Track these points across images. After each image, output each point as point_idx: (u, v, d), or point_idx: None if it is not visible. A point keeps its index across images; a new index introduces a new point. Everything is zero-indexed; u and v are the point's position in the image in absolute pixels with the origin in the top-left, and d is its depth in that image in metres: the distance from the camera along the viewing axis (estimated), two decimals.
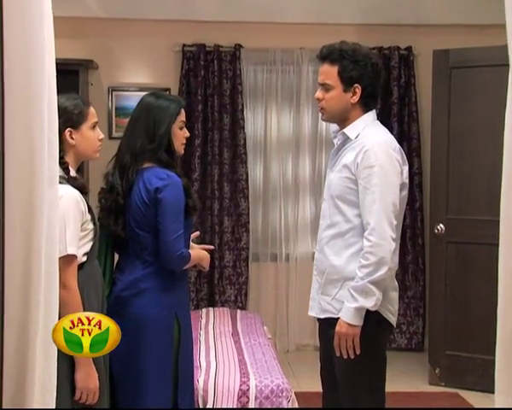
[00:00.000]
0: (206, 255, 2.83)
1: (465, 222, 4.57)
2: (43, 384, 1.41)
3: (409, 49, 5.34)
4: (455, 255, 4.61)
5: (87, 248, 2.34)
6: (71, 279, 2.23)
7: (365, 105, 2.51)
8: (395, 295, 2.55)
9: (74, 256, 2.24)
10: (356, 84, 2.46)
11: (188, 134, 2.78)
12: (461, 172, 4.59)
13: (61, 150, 2.29)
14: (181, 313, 2.67)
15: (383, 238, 2.34)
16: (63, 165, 2.30)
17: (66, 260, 2.21)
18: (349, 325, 2.37)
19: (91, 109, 2.42)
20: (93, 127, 2.42)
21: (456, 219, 4.58)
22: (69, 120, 2.32)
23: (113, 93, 5.29)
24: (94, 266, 2.41)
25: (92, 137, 2.41)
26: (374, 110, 2.56)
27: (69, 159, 2.36)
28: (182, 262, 2.60)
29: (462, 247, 4.60)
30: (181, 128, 2.72)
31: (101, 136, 2.46)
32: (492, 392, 4.11)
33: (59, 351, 1.96)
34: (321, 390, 2.77)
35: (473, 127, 4.55)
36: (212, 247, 3.11)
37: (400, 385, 4.35)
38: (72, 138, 2.34)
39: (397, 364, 4.77)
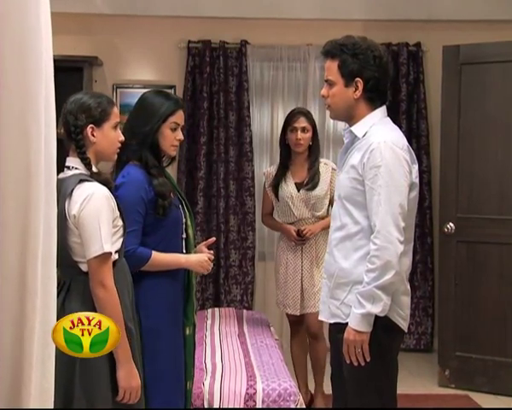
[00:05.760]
0: (199, 259, 2.69)
1: (475, 221, 4.50)
2: (41, 393, 1.34)
3: (417, 45, 5.28)
4: (465, 255, 4.55)
5: (118, 245, 2.30)
6: (108, 278, 2.19)
7: (371, 100, 2.41)
8: (406, 299, 2.45)
9: (110, 254, 2.21)
10: (357, 78, 2.38)
11: (181, 137, 2.70)
12: (471, 170, 4.52)
13: (83, 146, 2.27)
14: (147, 312, 2.55)
15: (389, 241, 2.25)
16: (85, 160, 2.28)
17: (103, 258, 2.18)
18: (356, 331, 2.29)
19: (115, 109, 2.39)
20: (115, 127, 2.37)
21: (466, 218, 4.51)
22: (92, 116, 2.29)
23: (118, 90, 5.24)
24: (124, 263, 2.37)
25: (113, 137, 2.36)
26: (383, 107, 2.47)
27: (89, 156, 2.32)
28: (130, 261, 2.45)
29: (472, 246, 4.53)
30: (173, 129, 2.66)
31: (122, 137, 2.41)
32: (503, 394, 4.05)
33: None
34: (328, 393, 2.70)
35: (483, 124, 4.48)
36: (213, 239, 2.92)
37: (409, 387, 4.28)
38: (93, 136, 2.30)
39: (405, 365, 4.71)
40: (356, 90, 2.39)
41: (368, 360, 2.30)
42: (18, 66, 1.24)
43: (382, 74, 2.42)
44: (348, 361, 2.34)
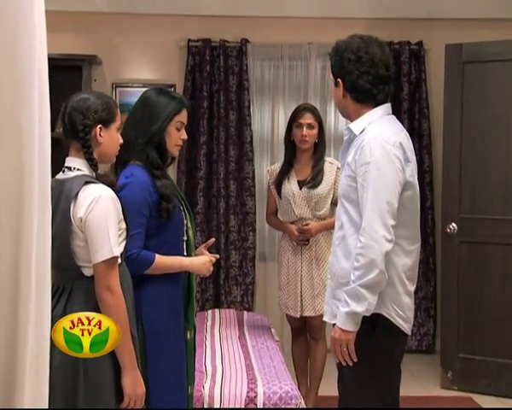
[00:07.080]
0: (202, 261, 2.65)
1: (478, 221, 4.46)
2: (34, 400, 1.30)
3: (419, 43, 5.24)
4: (467, 255, 4.51)
5: (122, 248, 2.26)
6: (115, 282, 2.15)
7: (357, 100, 2.40)
8: (408, 300, 2.40)
9: (117, 258, 2.17)
10: (337, 79, 2.43)
11: (185, 136, 2.67)
12: (474, 169, 4.48)
13: (90, 146, 2.22)
14: (150, 316, 2.50)
15: (374, 239, 2.21)
16: (92, 161, 2.23)
17: (111, 262, 2.14)
18: (342, 330, 2.25)
19: (118, 111, 2.36)
20: (118, 129, 2.35)
21: (469, 219, 4.48)
22: (100, 116, 2.25)
23: (117, 89, 5.20)
24: (125, 267, 2.33)
25: (116, 139, 2.33)
26: (385, 105, 2.42)
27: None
28: (133, 264, 2.41)
29: (474, 246, 4.50)
30: (178, 129, 2.63)
31: (121, 140, 2.37)
32: (506, 396, 4.01)
33: (104, 357, 1.94)
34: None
35: (486, 123, 4.45)
36: (212, 240, 2.89)
37: (411, 389, 4.24)
38: (100, 136, 2.26)
39: (407, 366, 4.66)
40: (340, 90, 2.43)
41: (355, 360, 2.27)
42: (10, 62, 1.19)
43: (362, 75, 2.37)
44: (337, 361, 2.31)
